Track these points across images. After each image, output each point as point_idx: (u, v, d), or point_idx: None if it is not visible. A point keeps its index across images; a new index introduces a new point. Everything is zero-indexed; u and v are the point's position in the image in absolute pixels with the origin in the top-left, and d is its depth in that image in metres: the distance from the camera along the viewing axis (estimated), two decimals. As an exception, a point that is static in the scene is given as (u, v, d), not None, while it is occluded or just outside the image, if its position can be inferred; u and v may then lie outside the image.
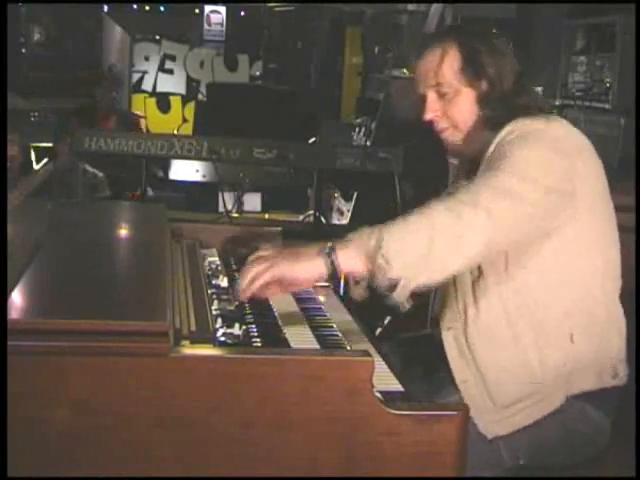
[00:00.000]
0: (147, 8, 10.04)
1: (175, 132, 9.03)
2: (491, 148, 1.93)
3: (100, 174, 5.27)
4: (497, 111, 1.93)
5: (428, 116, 2.00)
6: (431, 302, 2.16)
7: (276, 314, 2.07)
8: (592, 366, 1.92)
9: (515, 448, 1.89)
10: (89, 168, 5.19)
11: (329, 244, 1.70)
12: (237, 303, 1.88)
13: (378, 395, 1.58)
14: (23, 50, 9.21)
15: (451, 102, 1.97)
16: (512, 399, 1.86)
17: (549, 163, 1.81)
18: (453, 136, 2.00)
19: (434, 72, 1.97)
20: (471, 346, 1.88)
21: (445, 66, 1.95)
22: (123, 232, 2.45)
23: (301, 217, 4.47)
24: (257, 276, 1.71)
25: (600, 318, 1.92)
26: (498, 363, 1.86)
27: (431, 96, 1.99)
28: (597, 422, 1.93)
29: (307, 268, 1.72)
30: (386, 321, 3.01)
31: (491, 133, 1.94)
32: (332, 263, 1.69)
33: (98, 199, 5.12)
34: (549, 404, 1.88)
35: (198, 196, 4.86)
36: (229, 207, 4.25)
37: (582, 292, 1.90)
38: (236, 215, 4.36)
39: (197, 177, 4.47)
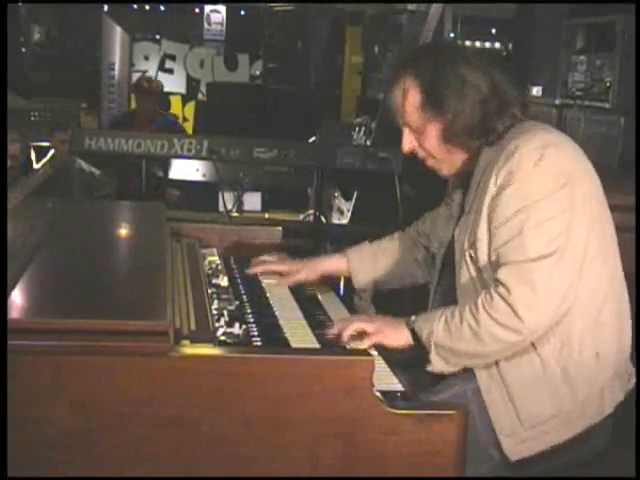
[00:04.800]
0: (147, 8, 10.03)
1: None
2: (479, 170, 1.94)
3: (97, 172, 5.24)
4: (465, 141, 1.95)
5: (404, 149, 2.03)
6: (430, 306, 2.16)
7: (276, 314, 2.07)
8: (616, 377, 1.93)
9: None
10: (85, 166, 5.15)
11: (413, 318, 1.92)
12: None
13: (378, 394, 1.58)
14: (23, 50, 9.20)
15: (421, 135, 1.99)
16: (539, 417, 1.85)
17: (557, 226, 1.81)
18: (434, 164, 2.04)
19: (399, 110, 1.99)
20: (499, 364, 1.88)
21: (407, 104, 1.96)
22: (123, 231, 2.45)
23: (301, 217, 4.46)
24: (367, 337, 1.92)
25: (616, 327, 1.93)
26: (524, 378, 1.86)
27: (405, 131, 2.02)
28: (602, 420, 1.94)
29: (402, 339, 1.93)
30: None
31: (474, 154, 1.96)
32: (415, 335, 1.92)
33: (96, 198, 5.10)
34: (580, 425, 1.88)
35: (198, 196, 4.86)
36: (229, 207, 4.25)
37: (598, 306, 1.90)
38: (236, 215, 4.36)
39: (197, 176, 4.47)
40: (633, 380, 1.99)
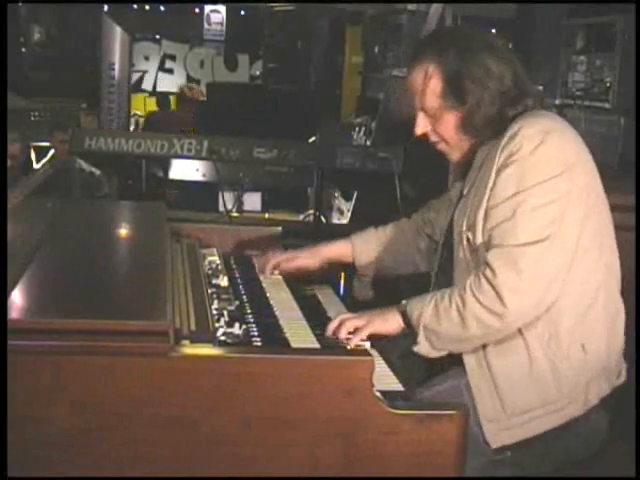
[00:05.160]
0: (147, 8, 10.05)
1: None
2: (481, 155, 1.95)
3: (98, 172, 5.24)
4: (481, 132, 1.94)
5: (418, 132, 2.03)
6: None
7: (276, 314, 2.07)
8: (604, 371, 1.93)
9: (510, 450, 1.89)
10: (85, 166, 5.15)
11: (404, 302, 1.94)
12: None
13: (378, 394, 1.58)
14: (23, 50, 9.22)
15: (438, 121, 1.99)
16: (523, 407, 1.85)
17: (551, 212, 1.81)
18: (445, 149, 2.04)
19: (418, 94, 1.98)
20: (487, 354, 1.88)
21: (428, 91, 1.95)
22: (123, 231, 2.44)
23: (301, 217, 4.47)
24: (358, 331, 1.94)
25: (607, 323, 1.92)
26: (510, 370, 1.86)
27: (420, 114, 2.01)
28: (598, 420, 1.94)
29: (392, 324, 1.95)
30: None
31: (482, 142, 1.96)
32: (406, 318, 1.93)
33: (96, 198, 5.09)
34: (565, 415, 1.88)
35: (198, 196, 4.86)
36: (229, 207, 4.25)
37: (589, 300, 1.89)
38: (236, 215, 4.36)
39: (197, 176, 4.47)
40: (623, 377, 1.99)
